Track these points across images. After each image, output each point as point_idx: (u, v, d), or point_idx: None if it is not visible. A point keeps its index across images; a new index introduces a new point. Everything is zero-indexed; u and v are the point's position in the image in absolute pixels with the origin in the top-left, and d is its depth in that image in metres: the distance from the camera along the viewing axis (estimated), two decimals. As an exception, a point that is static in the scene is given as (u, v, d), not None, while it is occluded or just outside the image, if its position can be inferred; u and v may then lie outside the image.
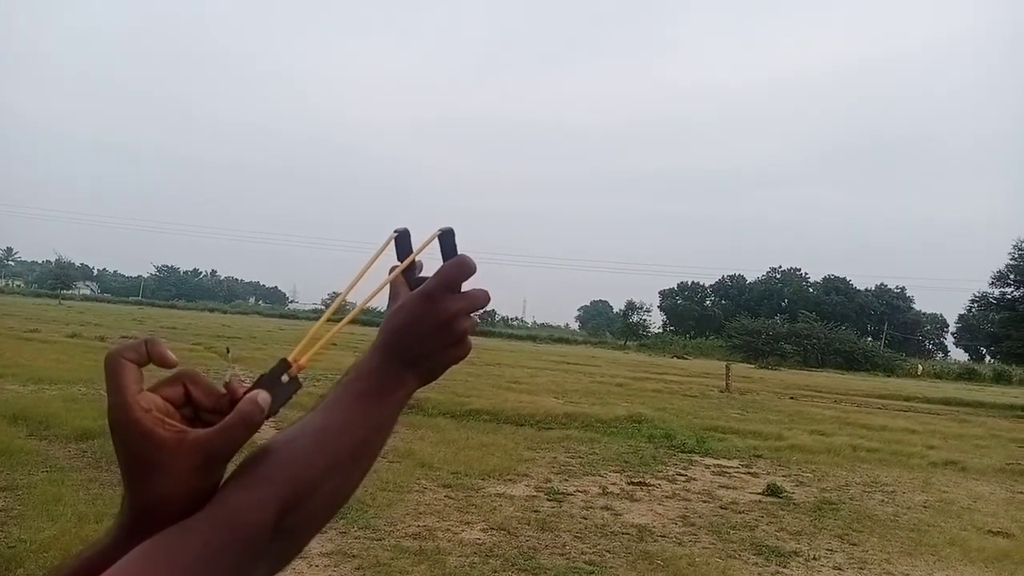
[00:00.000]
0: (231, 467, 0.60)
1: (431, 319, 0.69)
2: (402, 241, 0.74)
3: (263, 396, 0.58)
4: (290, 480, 0.59)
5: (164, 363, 0.58)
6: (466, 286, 0.71)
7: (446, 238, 0.72)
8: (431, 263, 0.73)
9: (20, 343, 18.61)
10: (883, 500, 8.15)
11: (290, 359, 0.63)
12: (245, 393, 0.59)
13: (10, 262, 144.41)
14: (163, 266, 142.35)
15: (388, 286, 0.73)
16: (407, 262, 0.73)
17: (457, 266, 0.69)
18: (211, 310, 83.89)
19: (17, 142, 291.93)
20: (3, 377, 11.59)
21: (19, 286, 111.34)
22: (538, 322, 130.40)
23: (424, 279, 0.71)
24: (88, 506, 5.42)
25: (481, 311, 0.73)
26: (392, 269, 0.73)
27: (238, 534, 0.55)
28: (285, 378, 0.62)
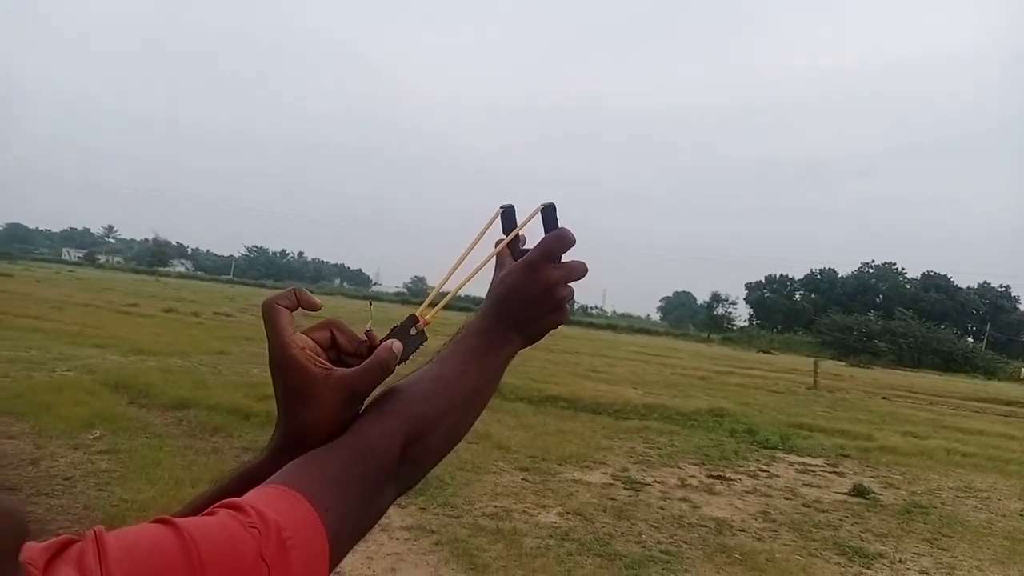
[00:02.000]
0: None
1: (533, 287, 0.78)
2: (508, 216, 0.83)
3: (397, 345, 0.70)
4: (413, 417, 0.70)
5: (311, 307, 0.71)
6: (565, 257, 0.79)
7: (548, 212, 0.80)
8: (533, 238, 0.81)
9: (120, 316, 19.65)
10: (976, 506, 7.80)
11: (417, 315, 0.74)
12: (381, 341, 0.71)
13: (111, 239, 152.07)
14: (253, 246, 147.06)
15: (495, 257, 0.83)
16: (512, 235, 0.82)
17: (557, 238, 0.78)
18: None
19: (120, 128, 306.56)
20: (105, 348, 12.28)
21: (119, 262, 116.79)
22: (618, 312, 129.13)
23: (527, 251, 0.80)
24: (184, 471, 5.71)
25: (579, 280, 0.81)
26: (498, 242, 0.83)
27: (370, 458, 0.66)
28: (413, 331, 0.74)
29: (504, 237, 0.82)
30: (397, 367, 0.70)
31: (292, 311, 0.69)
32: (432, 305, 0.76)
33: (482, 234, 0.80)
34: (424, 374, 0.75)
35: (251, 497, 0.57)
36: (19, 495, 4.85)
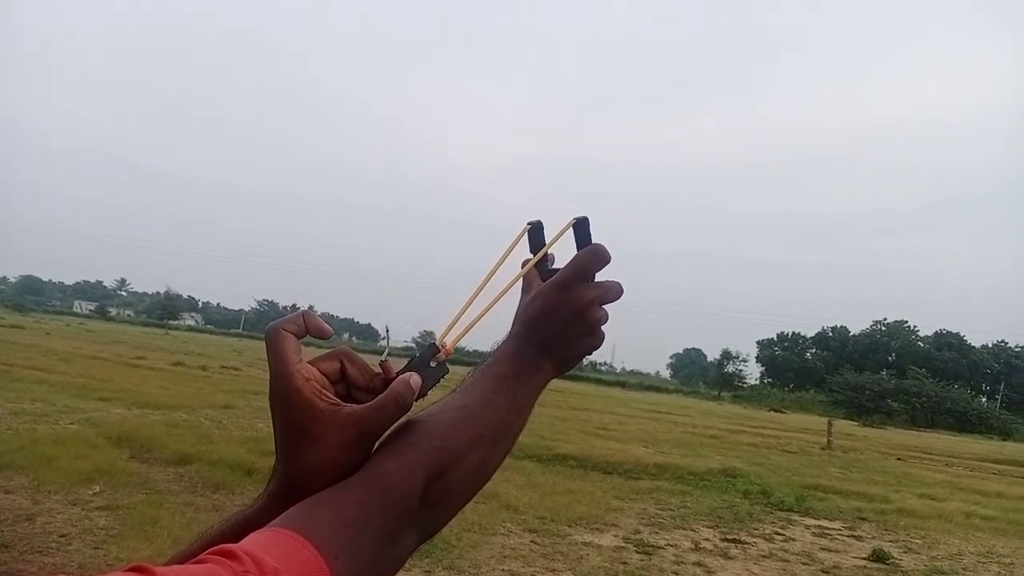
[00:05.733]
0: None
1: (565, 307, 0.71)
2: (535, 234, 0.76)
3: (415, 379, 0.62)
4: (436, 449, 0.61)
5: (320, 334, 0.63)
6: (600, 277, 0.73)
7: (581, 227, 0.73)
8: (562, 258, 0.75)
9: (128, 369, 19.57)
10: (1000, 572, 7.56)
11: (438, 343, 0.66)
12: (398, 374, 0.63)
13: (123, 292, 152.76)
14: (264, 300, 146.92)
15: (522, 279, 0.76)
16: (540, 254, 0.75)
17: (591, 254, 0.72)
18: (307, 344, 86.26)
19: (135, 183, 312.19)
20: (110, 400, 12.16)
21: (130, 315, 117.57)
22: (627, 368, 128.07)
23: (557, 271, 0.73)
24: (183, 529, 5.55)
25: (615, 302, 0.74)
26: (525, 262, 0.76)
27: (388, 497, 0.57)
28: (433, 363, 0.66)
29: (531, 256, 0.76)
30: (415, 403, 0.62)
31: (299, 338, 0.62)
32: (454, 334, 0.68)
33: (507, 254, 0.73)
34: (447, 404, 0.67)
35: (247, 543, 0.49)
36: (12, 553, 4.73)
